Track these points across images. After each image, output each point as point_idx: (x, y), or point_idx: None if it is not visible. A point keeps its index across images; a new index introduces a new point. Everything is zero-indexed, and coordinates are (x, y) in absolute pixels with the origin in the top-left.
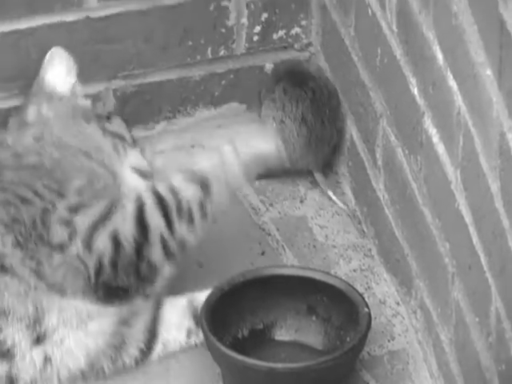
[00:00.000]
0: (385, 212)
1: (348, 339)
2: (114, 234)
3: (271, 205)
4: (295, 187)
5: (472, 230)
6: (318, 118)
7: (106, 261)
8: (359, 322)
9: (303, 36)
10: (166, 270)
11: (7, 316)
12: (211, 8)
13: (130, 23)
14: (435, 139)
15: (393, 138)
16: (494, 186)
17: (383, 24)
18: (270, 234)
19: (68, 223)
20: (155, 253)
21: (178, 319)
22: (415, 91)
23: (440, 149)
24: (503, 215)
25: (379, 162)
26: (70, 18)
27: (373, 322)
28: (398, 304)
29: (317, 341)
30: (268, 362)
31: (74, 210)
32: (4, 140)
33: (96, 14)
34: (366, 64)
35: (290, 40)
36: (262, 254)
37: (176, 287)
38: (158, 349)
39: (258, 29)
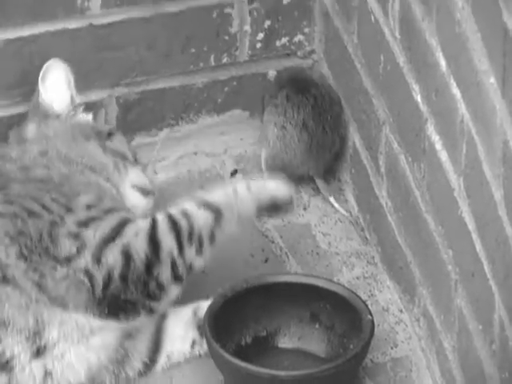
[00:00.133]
0: (388, 219)
1: (351, 346)
2: (126, 248)
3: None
4: (298, 194)
5: (475, 237)
6: (320, 125)
7: (116, 274)
8: (362, 329)
9: (306, 43)
10: (173, 292)
11: (7, 327)
12: (214, 15)
13: (132, 30)
14: (438, 146)
15: (396, 145)
16: (498, 194)
17: (386, 31)
18: (273, 242)
19: (77, 237)
20: (164, 272)
21: (182, 331)
22: (418, 98)
23: (443, 156)
24: (506, 223)
25: (382, 169)
26: (72, 25)
27: (376, 330)
28: (401, 311)
29: (320, 348)
30: (271, 369)
31: (84, 224)
32: (7, 153)
33: (99, 21)
34: (369, 71)
35: (292, 47)
36: (266, 261)
37: (181, 292)
38: (162, 361)
39: (260, 36)
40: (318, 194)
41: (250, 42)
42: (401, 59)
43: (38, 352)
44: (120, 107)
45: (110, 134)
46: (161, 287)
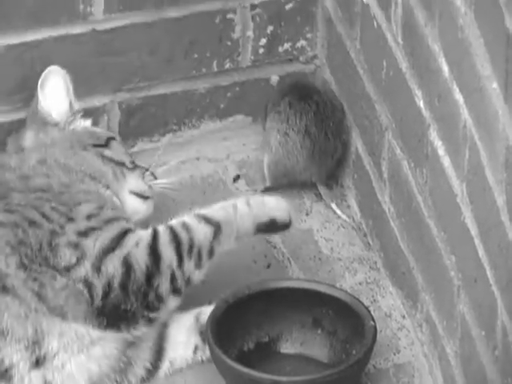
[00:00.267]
0: (390, 225)
1: (354, 352)
2: (126, 258)
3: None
4: (301, 200)
5: (478, 242)
6: (322, 131)
7: (116, 283)
8: (365, 335)
9: (309, 49)
10: (171, 303)
11: (5, 336)
12: (217, 20)
13: (135, 36)
14: (441, 152)
15: (398, 151)
16: (500, 200)
17: (389, 36)
18: (275, 247)
19: (76, 246)
20: (163, 284)
21: (184, 337)
22: (421, 104)
23: (446, 161)
24: (509, 228)
25: (385, 175)
26: (75, 30)
27: (378, 335)
28: (403, 317)
29: (322, 354)
30: (273, 374)
31: (84, 233)
32: (6, 162)
33: (101, 26)
34: (372, 76)
35: (295, 53)
36: (268, 266)
37: (181, 300)
38: (165, 367)
39: (263, 41)
40: (321, 199)
41: (252, 47)
42: (403, 65)
43: (38, 362)
44: (122, 113)
45: (108, 141)
46: (159, 299)
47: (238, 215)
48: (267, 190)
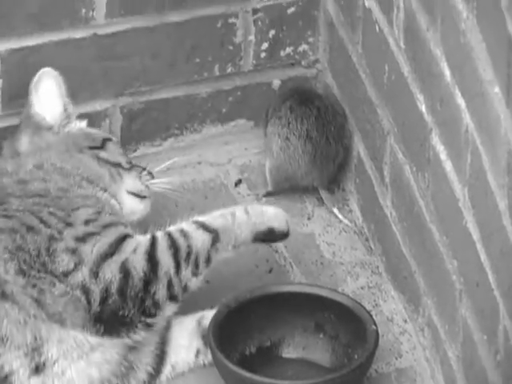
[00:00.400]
0: (392, 229)
1: (356, 357)
2: (124, 264)
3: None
4: (302, 204)
5: (480, 247)
6: (323, 136)
7: (114, 288)
8: (367, 339)
9: (310, 53)
10: (168, 310)
11: (5, 343)
12: (218, 25)
13: (137, 40)
14: (443, 156)
15: (400, 155)
16: (502, 204)
17: (391, 41)
18: (277, 251)
19: (74, 252)
20: (160, 291)
21: (186, 341)
22: (423, 108)
23: (448, 166)
24: (511, 233)
25: (387, 179)
26: (77, 34)
27: (380, 340)
28: (405, 321)
29: (324, 358)
30: (275, 379)
31: (82, 239)
32: (3, 167)
33: (103, 30)
34: (374, 81)
35: (297, 57)
36: (270, 271)
37: (183, 304)
38: (167, 371)
39: (265, 46)
40: (322, 204)
41: (254, 51)
42: (405, 69)
43: (37, 369)
44: (124, 117)
45: (104, 142)
46: (156, 305)
47: (237, 223)
48: (269, 195)
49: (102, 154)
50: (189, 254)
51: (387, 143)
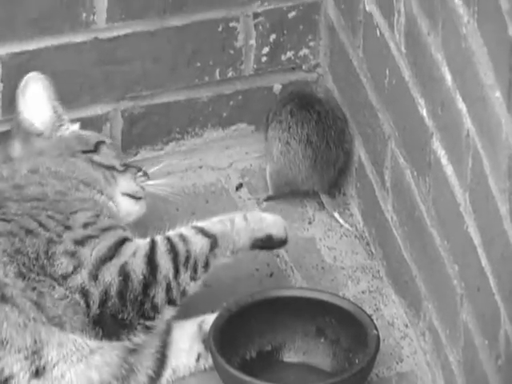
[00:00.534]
0: (393, 233)
1: (356, 361)
2: (124, 267)
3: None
4: (303, 208)
5: (481, 252)
6: (324, 140)
7: (113, 291)
8: (368, 344)
9: (311, 57)
10: (167, 313)
11: (5, 346)
12: (219, 29)
13: (138, 44)
14: (444, 161)
15: (401, 160)
16: (503, 209)
17: (391, 45)
18: (278, 256)
19: (73, 255)
20: (159, 294)
21: (187, 345)
22: (424, 113)
23: (449, 170)
24: None
25: (387, 184)
26: (78, 39)
27: (381, 344)
28: (406, 326)
29: (325, 363)
30: (276, 383)
31: (80, 242)
32: None
33: (104, 35)
34: (375, 85)
35: (298, 61)
36: (271, 275)
37: (184, 308)
38: (167, 375)
39: (266, 50)
40: (323, 208)
41: (255, 55)
42: (406, 73)
43: (37, 372)
44: (125, 121)
45: (97, 145)
46: (155, 308)
47: (235, 229)
48: (270, 199)
49: (96, 157)
50: (187, 258)
51: (388, 147)
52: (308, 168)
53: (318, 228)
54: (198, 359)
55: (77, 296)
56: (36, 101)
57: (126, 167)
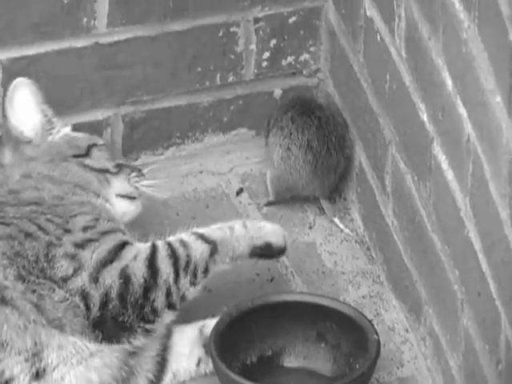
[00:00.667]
0: (394, 238)
1: (357, 366)
2: (124, 270)
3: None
4: (304, 213)
5: (481, 257)
6: (324, 146)
7: (114, 294)
8: (368, 348)
9: (312, 62)
10: (166, 317)
11: (5, 348)
12: (220, 34)
13: (138, 49)
14: (444, 166)
15: (402, 165)
16: (504, 213)
17: (392, 50)
18: (278, 261)
19: (73, 257)
20: (159, 298)
21: (188, 349)
22: (424, 117)
23: (449, 175)
24: None
25: (388, 189)
26: (79, 43)
27: (382, 349)
28: (406, 331)
29: (326, 367)
30: None
31: (80, 245)
32: None
33: (105, 39)
34: (375, 90)
35: (298, 66)
36: (271, 280)
37: (185, 312)
38: (168, 379)
39: (266, 55)
40: (324, 213)
41: (255, 60)
42: (407, 78)
43: (38, 375)
44: (126, 126)
45: (89, 149)
46: (155, 312)
47: (235, 236)
48: (270, 204)
49: (88, 161)
50: (188, 263)
51: (389, 152)
52: (308, 173)
53: (318, 233)
54: (198, 364)
55: (77, 298)
56: (24, 107)
57: (120, 168)
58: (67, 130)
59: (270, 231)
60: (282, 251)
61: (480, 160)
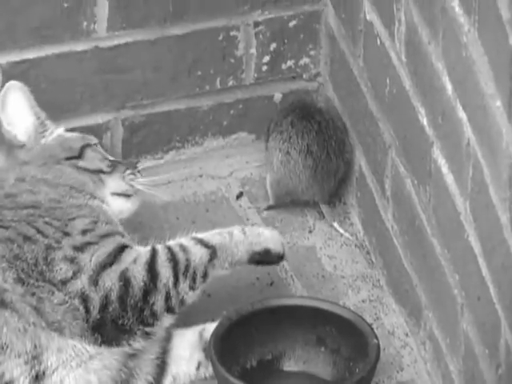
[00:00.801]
0: (393, 242)
1: (357, 370)
2: (124, 274)
3: (280, 235)
4: (304, 217)
5: (481, 261)
6: (324, 150)
7: (114, 296)
8: (368, 352)
9: (312, 66)
10: (165, 321)
11: (5, 351)
12: (220, 38)
13: (138, 53)
14: (444, 170)
15: (402, 169)
16: (504, 218)
17: (392, 54)
18: (278, 264)
19: (73, 260)
20: (159, 301)
21: (188, 353)
22: (424, 122)
23: (449, 179)
24: None
25: (388, 193)
26: (78, 47)
27: (382, 353)
28: (406, 335)
29: (326, 372)
30: None
31: (80, 248)
32: None
33: (105, 43)
34: (375, 94)
35: (298, 70)
36: (271, 284)
37: (185, 317)
38: (168, 382)
39: (266, 59)
40: (324, 217)
41: (255, 64)
42: (407, 82)
43: (37, 377)
44: (126, 130)
45: (81, 150)
46: (154, 316)
47: (234, 242)
48: (270, 208)
49: (81, 163)
50: (187, 267)
51: (388, 157)
52: (308, 178)
53: (318, 237)
54: (198, 367)
55: (76, 301)
56: (17, 111)
57: (114, 166)
58: (60, 130)
59: (268, 237)
60: (280, 258)
61: (480, 164)
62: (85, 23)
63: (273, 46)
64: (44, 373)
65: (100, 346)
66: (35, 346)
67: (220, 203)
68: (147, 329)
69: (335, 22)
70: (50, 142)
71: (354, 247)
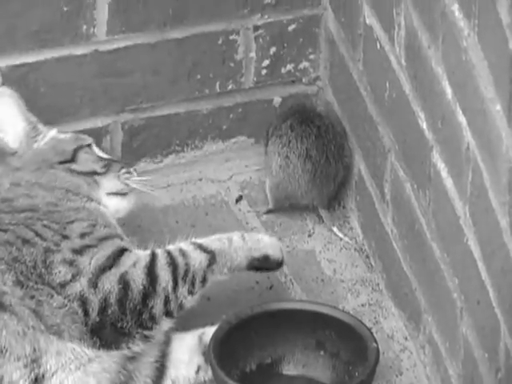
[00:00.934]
0: (393, 246)
1: (356, 374)
2: (123, 277)
3: (279, 239)
4: (303, 221)
5: (481, 265)
6: (323, 155)
7: (113, 299)
8: (367, 356)
9: (311, 70)
10: (164, 324)
11: (4, 354)
12: (220, 42)
13: (138, 57)
14: (444, 174)
15: (401, 173)
16: (503, 222)
17: (392, 58)
18: (277, 271)
19: (72, 263)
20: (158, 305)
21: (187, 356)
22: (424, 126)
23: (449, 184)
24: None
25: (387, 197)
26: (78, 51)
27: (381, 357)
28: (406, 339)
29: (325, 376)
30: None
31: (79, 251)
32: None
33: (104, 47)
34: (375, 98)
35: (298, 74)
36: (270, 288)
37: (184, 320)
38: None
39: (266, 63)
40: (323, 221)
41: (255, 68)
42: (406, 87)
43: (37, 380)
44: (125, 133)
45: (74, 153)
46: (153, 319)
47: (233, 247)
48: (269, 212)
49: (74, 166)
50: (186, 272)
51: (388, 161)
52: (307, 182)
53: (317, 241)
54: (197, 371)
55: (75, 304)
56: (6, 118)
57: (109, 166)
58: (53, 132)
59: (268, 244)
60: (279, 264)
61: (479, 168)
62: (84, 27)
63: (272, 49)
64: (43, 376)
65: (99, 349)
66: (34, 349)
67: (219, 207)
68: (146, 332)
69: (335, 26)
70: (43, 147)
71: (353, 251)
